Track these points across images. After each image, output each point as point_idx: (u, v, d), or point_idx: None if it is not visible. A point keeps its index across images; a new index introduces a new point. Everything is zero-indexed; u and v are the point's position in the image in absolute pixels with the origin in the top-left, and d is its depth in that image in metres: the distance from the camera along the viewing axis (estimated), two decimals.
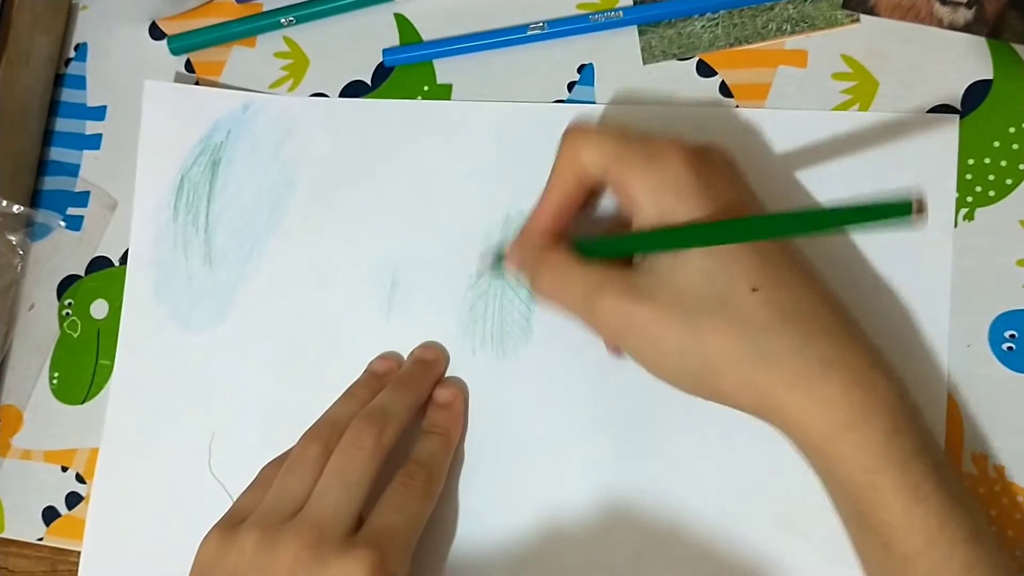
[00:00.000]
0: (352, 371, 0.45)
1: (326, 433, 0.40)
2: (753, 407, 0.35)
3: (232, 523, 0.38)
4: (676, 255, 0.35)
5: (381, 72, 0.48)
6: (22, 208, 0.47)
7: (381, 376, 0.44)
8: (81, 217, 0.50)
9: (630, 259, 0.37)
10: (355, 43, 0.48)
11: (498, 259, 0.44)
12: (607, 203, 0.42)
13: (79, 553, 0.47)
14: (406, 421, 0.41)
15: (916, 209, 0.29)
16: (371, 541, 0.37)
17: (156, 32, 0.51)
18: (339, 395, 0.44)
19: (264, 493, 0.40)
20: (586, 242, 0.39)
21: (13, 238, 0.47)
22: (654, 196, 0.36)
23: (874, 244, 0.41)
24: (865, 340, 0.35)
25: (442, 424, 0.43)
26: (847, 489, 0.34)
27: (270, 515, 0.38)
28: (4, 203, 0.47)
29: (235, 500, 0.41)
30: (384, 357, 0.45)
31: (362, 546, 0.36)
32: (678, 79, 0.44)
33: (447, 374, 0.44)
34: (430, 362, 0.44)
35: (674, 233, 0.35)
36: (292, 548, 0.36)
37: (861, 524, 0.34)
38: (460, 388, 0.44)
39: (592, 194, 0.40)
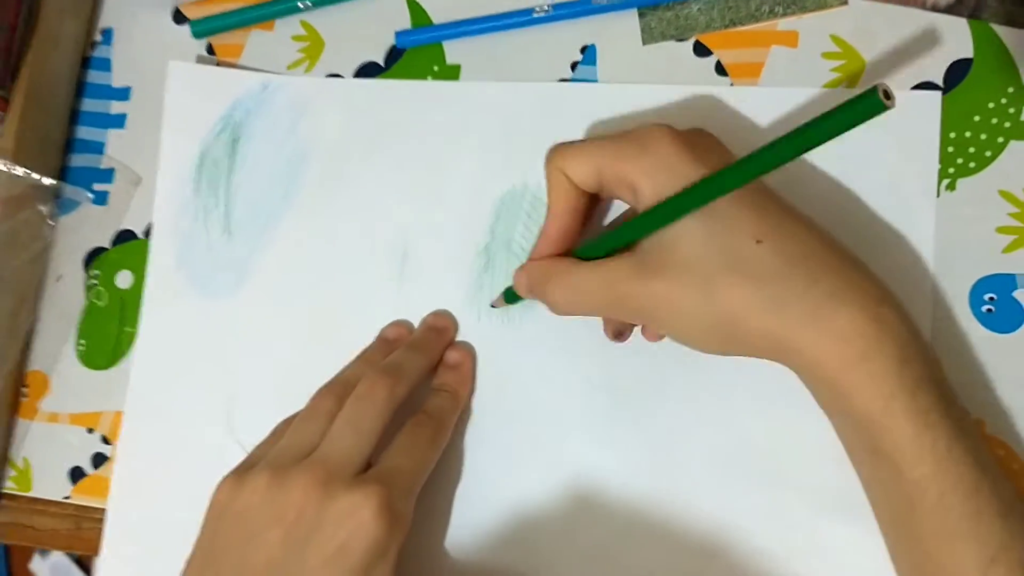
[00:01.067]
0: (365, 336, 0.47)
1: (339, 389, 0.42)
2: (772, 351, 0.36)
3: (243, 469, 0.40)
4: (676, 228, 0.37)
5: (393, 54, 0.50)
6: (52, 181, 0.49)
7: (392, 342, 0.46)
8: (106, 192, 0.52)
9: (632, 248, 0.39)
10: (368, 26, 0.50)
11: (509, 293, 0.45)
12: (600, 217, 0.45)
13: (102, 511, 0.48)
14: (417, 379, 0.43)
15: (884, 96, 0.29)
16: (379, 479, 0.38)
17: (179, 17, 0.53)
18: (352, 358, 0.46)
19: (273, 443, 0.42)
20: (586, 247, 0.40)
21: (43, 208, 0.49)
22: (650, 177, 0.37)
23: (862, 212, 0.43)
24: (871, 276, 0.37)
25: (451, 383, 0.45)
26: (861, 420, 0.35)
27: (282, 458, 0.40)
28: (35, 176, 0.49)
29: (253, 449, 0.43)
30: (395, 324, 0.47)
31: (371, 483, 0.38)
32: (676, 59, 0.46)
33: (457, 339, 0.47)
34: (440, 328, 0.46)
35: (669, 203, 0.37)
36: (302, 484, 0.38)
37: (874, 453, 0.35)
38: (469, 351, 0.46)
39: (590, 211, 0.42)
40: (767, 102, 0.45)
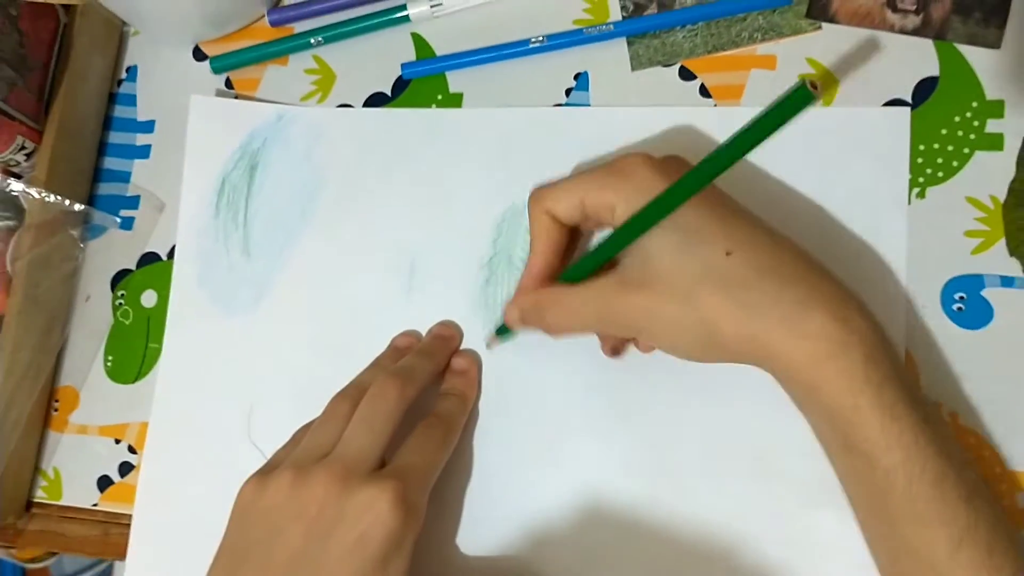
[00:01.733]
0: (376, 347, 0.50)
1: (354, 392, 0.45)
2: (750, 355, 0.39)
3: (266, 471, 0.43)
4: (650, 244, 0.39)
5: (400, 84, 0.53)
6: (82, 206, 0.53)
7: (403, 350, 0.49)
8: (132, 218, 0.55)
9: (614, 266, 0.41)
10: (376, 59, 0.54)
11: (500, 331, 0.48)
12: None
13: (129, 518, 0.51)
14: (425, 382, 0.46)
15: (811, 86, 0.33)
16: (395, 475, 0.41)
17: (199, 54, 0.57)
18: (365, 366, 0.49)
19: (292, 447, 0.44)
20: (570, 271, 0.43)
21: (74, 232, 0.53)
22: (627, 202, 0.40)
23: (839, 220, 0.45)
24: (836, 282, 0.39)
25: (459, 387, 0.47)
26: (832, 415, 0.37)
27: (303, 458, 0.42)
28: (67, 202, 0.52)
29: (274, 454, 0.46)
30: (406, 334, 0.50)
31: (387, 478, 0.40)
32: (663, 83, 0.50)
33: (462, 347, 0.49)
34: (447, 337, 0.49)
35: (639, 215, 0.39)
36: (323, 481, 0.40)
37: (846, 446, 0.38)
38: (475, 359, 0.49)
39: (571, 245, 0.45)
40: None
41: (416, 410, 0.45)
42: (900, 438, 0.36)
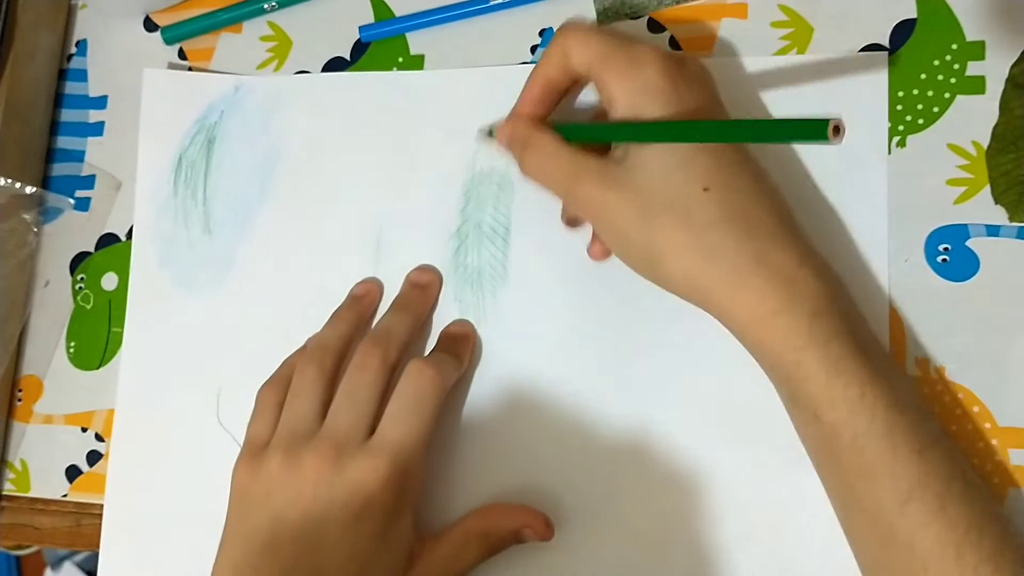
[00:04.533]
0: None
1: (318, 355, 0.44)
2: (690, 296, 0.39)
3: (254, 451, 0.43)
4: (642, 152, 0.39)
5: (358, 48, 0.51)
6: (34, 189, 0.51)
7: (362, 298, 0.48)
8: (88, 198, 0.54)
9: (607, 148, 0.41)
10: (333, 23, 0.52)
11: (490, 133, 0.47)
12: (586, 97, 0.47)
13: (101, 507, 0.50)
14: (407, 340, 0.45)
15: (832, 132, 0.32)
16: (384, 445, 0.41)
17: (150, 24, 0.55)
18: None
19: (269, 418, 0.44)
20: (565, 127, 0.43)
21: (27, 216, 0.51)
22: (629, 97, 0.39)
23: (817, 172, 0.44)
24: (799, 241, 0.38)
25: (453, 346, 0.46)
26: (778, 370, 0.37)
27: (288, 439, 0.42)
28: (17, 185, 0.51)
29: (248, 429, 0.45)
30: (363, 282, 0.49)
31: (376, 450, 0.40)
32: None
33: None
34: (425, 284, 0.48)
35: (638, 127, 0.39)
36: (313, 463, 0.40)
37: (793, 401, 0.38)
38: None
39: (574, 85, 0.44)
40: (720, 73, 0.45)
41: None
42: (845, 392, 0.36)
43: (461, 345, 0.47)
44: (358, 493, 0.39)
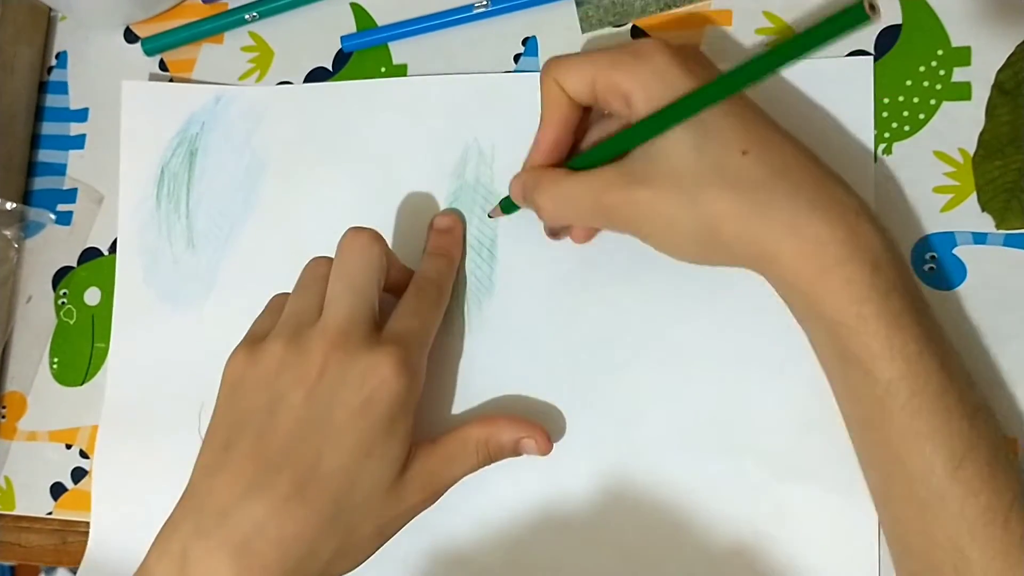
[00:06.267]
0: None
1: (328, 257, 0.43)
2: (751, 259, 0.38)
3: (253, 341, 0.42)
4: (665, 140, 0.38)
5: (341, 58, 0.51)
6: (15, 205, 0.51)
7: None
8: (70, 212, 0.53)
9: (620, 159, 0.40)
10: (315, 33, 0.51)
11: (503, 205, 0.46)
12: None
13: (87, 524, 0.50)
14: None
15: (869, 9, 0.32)
16: (394, 339, 0.40)
17: (130, 36, 0.54)
18: None
19: (277, 316, 0.43)
20: (579, 159, 0.42)
21: (8, 232, 0.51)
22: (644, 87, 0.38)
23: None
24: (849, 189, 0.38)
25: (444, 246, 0.46)
26: (833, 324, 0.36)
27: (291, 326, 0.41)
28: None
29: (252, 324, 0.44)
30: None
31: (387, 343, 0.40)
32: (615, 44, 0.47)
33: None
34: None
35: (663, 113, 0.38)
36: (321, 347, 0.39)
37: (845, 357, 0.36)
38: (458, 217, 0.47)
39: (581, 124, 0.43)
40: None
41: None
42: (904, 349, 0.35)
43: (450, 242, 0.47)
44: (370, 380, 0.39)
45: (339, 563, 0.39)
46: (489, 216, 0.47)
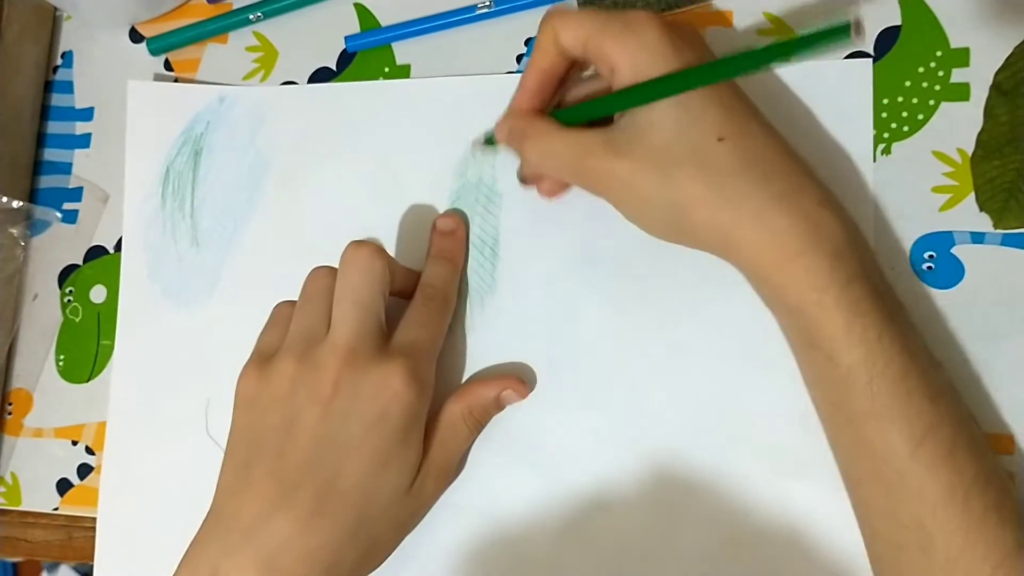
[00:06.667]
0: None
1: (329, 269, 0.44)
2: (715, 244, 0.39)
3: (263, 359, 0.43)
4: (650, 114, 0.38)
5: (344, 58, 0.51)
6: (21, 203, 0.51)
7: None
8: (76, 211, 0.54)
9: (609, 121, 0.41)
10: (319, 33, 0.52)
11: (488, 139, 0.47)
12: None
13: (93, 520, 0.50)
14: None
15: (855, 31, 0.32)
16: (402, 351, 0.41)
17: (135, 36, 0.54)
18: None
19: (283, 329, 0.44)
20: (565, 112, 0.42)
21: (14, 231, 0.51)
22: (631, 59, 0.39)
23: None
24: (816, 180, 0.39)
25: (448, 249, 0.47)
26: (796, 311, 0.37)
27: (300, 343, 0.42)
28: (4, 200, 0.50)
29: (258, 340, 0.45)
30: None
31: (396, 355, 0.41)
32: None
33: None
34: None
35: (646, 86, 0.38)
36: (333, 364, 0.40)
37: (808, 343, 0.38)
38: (461, 218, 0.48)
39: (569, 72, 0.43)
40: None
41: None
42: (864, 334, 0.36)
43: (453, 245, 0.47)
44: (383, 393, 0.40)
45: (363, 567, 0.41)
46: (472, 148, 0.48)
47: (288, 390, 0.41)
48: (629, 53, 0.39)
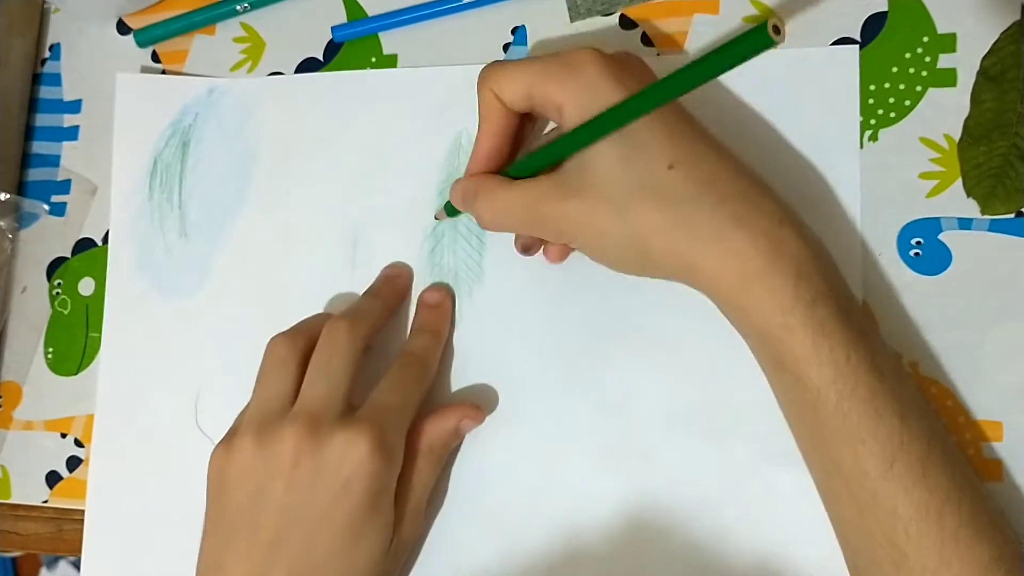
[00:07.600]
0: None
1: (291, 333, 0.44)
2: (678, 271, 0.38)
3: (228, 437, 0.42)
4: (595, 151, 0.38)
5: (332, 48, 0.51)
6: (8, 195, 0.51)
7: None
8: (64, 203, 0.54)
9: (556, 169, 0.40)
10: (306, 23, 0.51)
11: (448, 207, 0.46)
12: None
13: (82, 512, 0.50)
14: (376, 321, 0.45)
15: (773, 32, 0.31)
16: (368, 417, 0.41)
17: (123, 27, 0.54)
18: None
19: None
20: (515, 167, 0.42)
21: (2, 223, 0.51)
22: (575, 98, 0.39)
23: (788, 167, 0.44)
24: (774, 199, 0.38)
25: (432, 322, 0.46)
26: (762, 334, 0.37)
27: (260, 416, 0.41)
28: None
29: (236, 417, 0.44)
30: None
31: (361, 421, 0.40)
32: (603, 33, 0.48)
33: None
34: (394, 276, 0.48)
35: (587, 125, 0.38)
36: (292, 435, 0.40)
37: (777, 364, 0.37)
38: (447, 291, 0.47)
39: (521, 131, 0.43)
40: None
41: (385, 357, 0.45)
42: (831, 354, 0.36)
43: (438, 318, 0.46)
44: (346, 461, 0.39)
45: None
46: (436, 218, 0.48)
47: (249, 466, 0.40)
48: (572, 93, 0.39)
